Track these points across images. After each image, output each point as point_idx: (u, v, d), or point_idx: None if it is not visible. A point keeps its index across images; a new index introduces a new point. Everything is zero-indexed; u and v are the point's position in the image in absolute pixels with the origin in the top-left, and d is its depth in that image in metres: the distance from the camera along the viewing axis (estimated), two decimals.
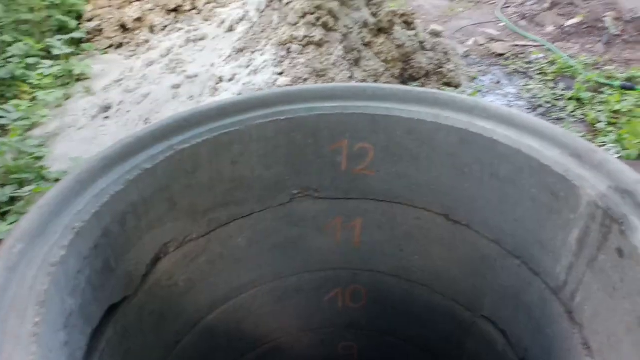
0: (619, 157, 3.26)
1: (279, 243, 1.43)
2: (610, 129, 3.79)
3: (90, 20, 4.83)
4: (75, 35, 4.58)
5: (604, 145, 3.53)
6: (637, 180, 0.94)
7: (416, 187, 1.33)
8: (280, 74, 3.36)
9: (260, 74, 3.41)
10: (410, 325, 1.64)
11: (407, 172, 1.31)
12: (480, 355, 1.50)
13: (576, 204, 1.03)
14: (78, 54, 4.60)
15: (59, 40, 4.41)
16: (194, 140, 1.11)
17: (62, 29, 4.62)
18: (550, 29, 5.84)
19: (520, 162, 1.10)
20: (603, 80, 4.52)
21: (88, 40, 4.78)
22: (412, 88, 1.30)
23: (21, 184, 2.87)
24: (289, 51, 3.48)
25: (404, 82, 4.11)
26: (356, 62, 3.73)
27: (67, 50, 4.34)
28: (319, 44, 3.51)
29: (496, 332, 1.41)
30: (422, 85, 4.17)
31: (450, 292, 1.48)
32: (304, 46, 3.49)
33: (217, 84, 3.54)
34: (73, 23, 4.65)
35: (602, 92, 4.39)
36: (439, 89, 4.25)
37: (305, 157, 1.29)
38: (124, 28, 4.79)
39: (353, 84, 1.73)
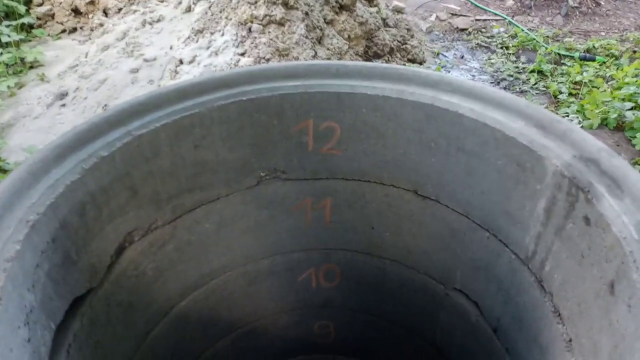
0: (581, 127, 3.33)
1: (248, 226, 1.41)
2: (572, 99, 3.87)
3: (40, 4, 4.61)
4: (25, 20, 4.36)
5: (566, 116, 3.61)
6: (601, 149, 0.95)
7: (384, 164, 1.32)
8: (242, 54, 3.29)
9: (221, 55, 3.33)
10: (384, 301, 1.65)
11: (375, 150, 1.30)
12: (454, 327, 1.52)
13: (542, 174, 1.03)
14: (29, 41, 4.40)
15: (7, 26, 4.20)
16: (152, 125, 1.07)
17: (10, 14, 4.39)
18: (510, 2, 5.89)
19: (486, 135, 1.10)
20: (563, 52, 4.60)
21: (39, 26, 4.56)
22: (377, 64, 1.28)
23: None
24: (249, 31, 3.40)
25: (368, 60, 4.09)
26: (319, 41, 3.68)
27: (17, 37, 4.14)
28: (280, 23, 3.44)
29: (469, 304, 1.43)
30: (387, 62, 4.15)
31: (422, 266, 1.49)
32: (264, 25, 3.42)
33: (177, 66, 3.45)
34: (22, 8, 4.42)
35: (563, 64, 4.48)
36: (403, 65, 4.25)
37: (271, 138, 1.26)
38: (76, 12, 4.59)
39: (316, 61, 1.70)
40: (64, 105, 3.51)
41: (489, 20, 5.51)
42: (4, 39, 4.04)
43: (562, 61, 4.53)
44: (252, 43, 3.31)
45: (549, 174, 1.02)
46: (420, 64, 4.35)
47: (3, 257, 0.80)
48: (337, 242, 1.51)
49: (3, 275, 0.77)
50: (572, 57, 4.53)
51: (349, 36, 3.92)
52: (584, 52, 4.60)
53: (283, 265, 1.54)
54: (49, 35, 4.50)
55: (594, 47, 4.66)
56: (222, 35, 3.47)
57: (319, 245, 1.52)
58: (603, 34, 5.16)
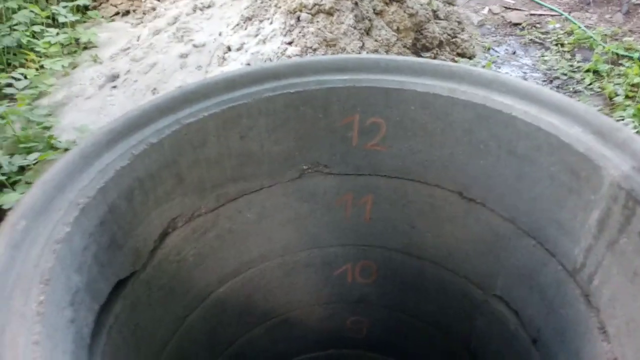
0: (637, 132, 3.18)
1: (288, 218, 1.41)
2: (628, 102, 3.69)
3: None
4: (81, 2, 4.49)
5: (621, 120, 3.45)
6: None
7: (429, 164, 1.29)
8: (290, 43, 3.28)
9: (269, 43, 3.34)
10: (421, 302, 1.62)
11: (421, 148, 1.28)
12: (491, 334, 1.48)
13: (598, 184, 0.98)
14: (84, 22, 4.53)
15: (64, 7, 4.33)
16: (201, 114, 1.08)
17: None
18: None
19: (540, 140, 1.06)
20: (622, 52, 4.39)
21: (94, 8, 4.69)
22: (427, 60, 1.25)
23: (30, 153, 2.86)
24: (298, 20, 3.39)
25: (416, 53, 4.01)
26: (367, 32, 3.63)
27: (73, 18, 4.27)
28: (329, 12, 3.41)
29: (508, 312, 1.39)
30: (435, 56, 4.07)
31: (462, 270, 1.46)
32: (313, 14, 3.40)
33: (225, 53, 3.48)
34: None
35: (620, 65, 4.27)
36: (452, 59, 4.15)
37: (315, 132, 1.25)
38: None
39: (365, 55, 1.67)
40: (115, 87, 3.60)
41: (544, 15, 5.31)
42: (61, 19, 4.17)
43: (620, 61, 4.32)
44: (299, 32, 3.30)
45: (605, 185, 0.97)
46: (470, 58, 4.24)
47: (53, 239, 0.82)
48: (375, 239, 1.50)
49: (52, 256, 0.80)
50: (631, 58, 4.31)
51: (397, 28, 3.86)
52: None
53: (320, 259, 1.54)
54: (102, 17, 4.62)
55: None
56: (271, 23, 3.47)
57: (357, 241, 1.51)
58: None
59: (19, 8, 4.13)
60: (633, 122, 3.41)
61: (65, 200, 0.88)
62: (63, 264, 0.82)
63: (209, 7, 4.16)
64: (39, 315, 0.73)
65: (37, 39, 4.02)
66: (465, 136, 1.20)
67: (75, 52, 4.11)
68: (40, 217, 0.84)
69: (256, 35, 3.48)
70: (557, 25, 5.04)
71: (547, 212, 1.13)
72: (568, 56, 4.50)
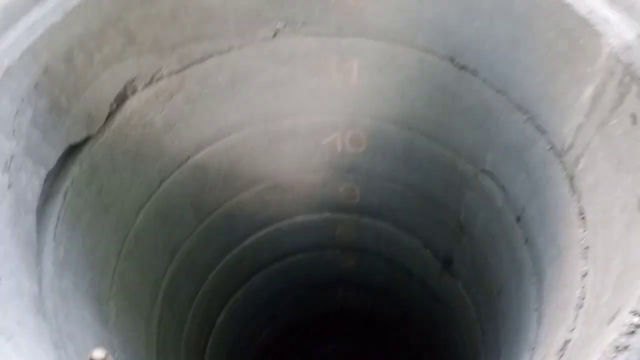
0: None
1: (266, 83, 1.31)
2: None
3: None
4: None
5: None
6: None
7: (418, 24, 1.13)
8: None
9: None
10: (411, 173, 1.56)
11: (409, 6, 1.11)
12: (478, 208, 1.43)
13: (595, 54, 0.83)
14: None
15: None
16: None
17: None
18: None
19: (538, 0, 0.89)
20: None
21: None
22: None
23: None
24: None
25: None
26: None
27: None
28: None
29: (496, 188, 1.31)
30: None
31: (452, 143, 1.36)
32: None
33: None
34: None
35: None
36: None
37: None
38: None
39: None
40: None
41: None
42: None
43: None
44: None
45: (603, 56, 0.82)
46: None
47: None
48: (363, 108, 1.40)
49: None
50: None
51: None
52: None
53: (306, 128, 1.47)
54: None
55: None
56: None
57: (344, 109, 1.42)
58: None
59: None
60: None
61: None
62: None
63: None
64: None
65: None
66: None
67: None
68: None
69: None
70: None
71: (540, 86, 0.99)
72: None
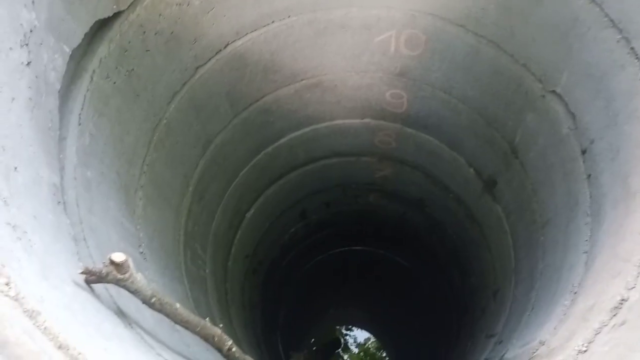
0: None
1: None
2: None
3: None
4: None
5: None
6: None
7: None
8: None
9: None
10: (469, 85, 1.41)
11: None
12: (538, 133, 1.29)
13: None
14: None
15: None
16: None
17: None
18: None
19: None
20: None
21: None
22: None
23: None
24: None
25: None
26: None
27: None
28: None
29: (565, 114, 1.16)
30: None
31: (523, 56, 1.19)
32: None
33: None
34: None
35: None
36: None
37: None
38: None
39: None
40: None
41: None
42: None
43: None
44: None
45: None
46: None
47: None
48: (427, 4, 1.23)
49: None
50: None
51: None
52: None
53: (359, 21, 1.31)
54: None
55: None
56: None
57: (404, 3, 1.25)
58: None
59: None
60: None
61: None
62: None
63: None
64: None
65: None
66: None
67: None
68: None
69: None
70: None
71: None
72: None
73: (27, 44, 0.75)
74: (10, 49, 0.72)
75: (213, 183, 1.53)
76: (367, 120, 1.74)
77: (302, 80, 1.50)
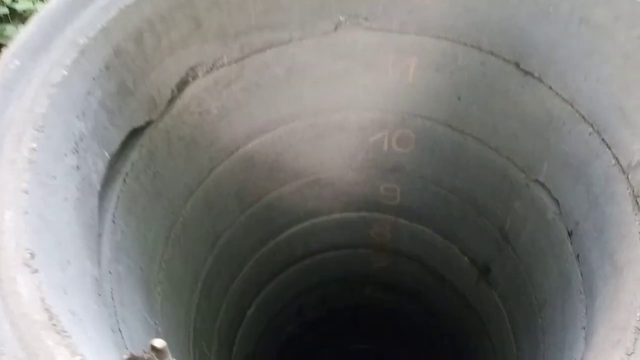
0: None
1: (321, 76, 1.30)
2: None
3: None
4: None
5: None
6: None
7: (485, 25, 1.11)
8: None
9: None
10: (458, 177, 1.54)
11: (477, 6, 1.09)
12: (526, 218, 1.40)
13: None
14: None
15: None
16: None
17: None
18: None
19: (622, 9, 0.85)
20: None
21: None
22: None
23: None
24: None
25: None
26: None
27: None
28: None
29: (549, 200, 1.28)
30: None
31: (506, 150, 1.33)
32: None
33: None
34: None
35: None
36: None
37: None
38: None
39: None
40: None
41: None
42: None
43: None
44: None
45: None
46: None
47: (49, 82, 0.78)
48: (416, 107, 1.38)
49: (47, 101, 0.76)
50: None
51: None
52: None
53: (355, 123, 1.45)
54: None
55: None
56: None
57: (396, 107, 1.40)
58: None
59: None
60: None
61: (64, 39, 0.82)
62: (59, 110, 0.79)
63: None
64: (30, 163, 0.71)
65: None
66: None
67: None
68: (37, 56, 0.79)
69: None
70: None
71: (612, 98, 0.96)
72: None
73: (77, 151, 0.84)
74: (65, 155, 0.80)
75: (219, 279, 1.56)
76: (362, 213, 1.84)
77: (303, 177, 1.61)
